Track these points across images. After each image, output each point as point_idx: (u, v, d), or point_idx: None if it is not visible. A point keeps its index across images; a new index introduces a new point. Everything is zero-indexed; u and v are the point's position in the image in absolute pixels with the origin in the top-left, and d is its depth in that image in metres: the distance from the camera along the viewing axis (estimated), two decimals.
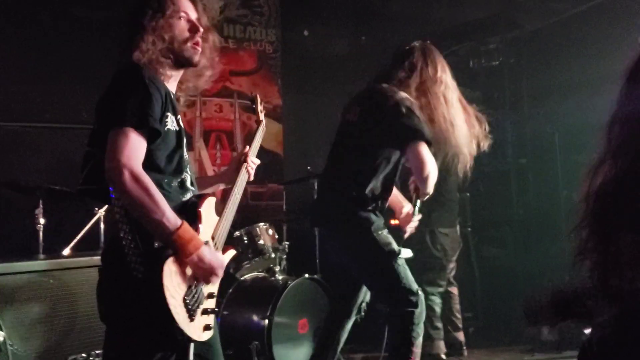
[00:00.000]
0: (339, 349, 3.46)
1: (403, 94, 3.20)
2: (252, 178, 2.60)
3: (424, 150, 3.06)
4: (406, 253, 3.13)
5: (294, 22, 6.22)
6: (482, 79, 5.64)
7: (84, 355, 3.39)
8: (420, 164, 3.05)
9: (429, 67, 3.29)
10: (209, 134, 5.81)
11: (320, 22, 6.27)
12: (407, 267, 3.13)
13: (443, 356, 4.35)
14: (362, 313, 3.46)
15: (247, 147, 2.65)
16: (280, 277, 4.33)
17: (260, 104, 2.91)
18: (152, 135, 2.06)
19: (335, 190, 3.29)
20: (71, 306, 3.41)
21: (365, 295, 3.41)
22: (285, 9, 6.22)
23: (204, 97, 5.69)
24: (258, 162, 2.63)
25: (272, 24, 6.18)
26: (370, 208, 3.17)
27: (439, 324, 4.38)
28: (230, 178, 2.55)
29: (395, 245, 3.12)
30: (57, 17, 5.15)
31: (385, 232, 3.15)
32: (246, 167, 2.55)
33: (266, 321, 3.96)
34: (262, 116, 2.87)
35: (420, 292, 3.12)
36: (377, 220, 3.17)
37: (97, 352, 3.42)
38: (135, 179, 1.93)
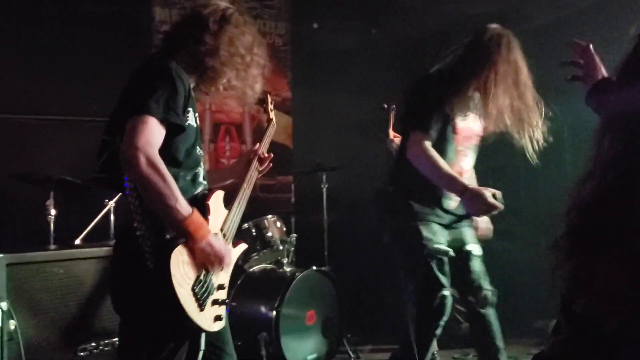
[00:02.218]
0: (496, 340, 3.24)
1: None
2: (265, 171, 2.66)
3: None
4: (443, 251, 3.06)
5: (303, 15, 6.22)
6: None
7: (93, 344, 3.42)
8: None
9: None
10: (218, 126, 5.84)
11: (330, 15, 6.27)
12: (442, 265, 3.05)
13: (435, 353, 4.34)
14: (490, 299, 3.25)
15: (258, 144, 2.68)
16: (288, 269, 4.36)
17: (271, 103, 2.93)
18: (176, 130, 2.09)
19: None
20: (81, 296, 3.44)
21: (479, 282, 3.23)
22: (295, 2, 6.22)
23: None
24: (271, 155, 2.67)
25: (282, 17, 6.18)
26: (415, 196, 3.10)
27: None
28: (239, 173, 2.59)
29: (434, 242, 3.05)
30: (65, 10, 5.19)
31: (429, 225, 3.08)
32: (256, 166, 2.59)
33: (274, 312, 3.99)
34: (272, 115, 2.89)
35: (445, 293, 3.04)
36: (424, 210, 3.10)
37: (106, 341, 3.46)
38: (151, 164, 1.94)
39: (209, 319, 2.15)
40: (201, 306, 2.08)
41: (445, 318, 3.06)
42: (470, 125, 3.18)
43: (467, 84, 2.95)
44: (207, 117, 5.75)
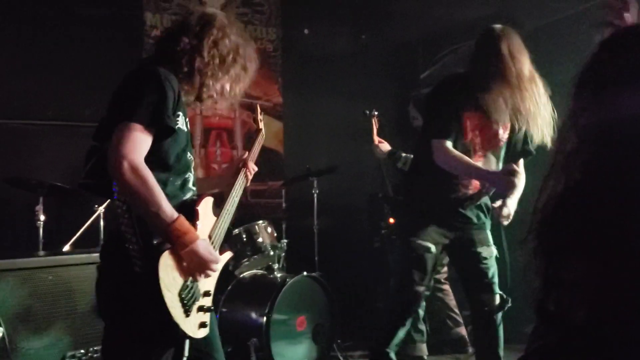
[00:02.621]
0: (500, 349, 3.26)
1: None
2: (249, 183, 2.66)
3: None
4: (423, 247, 3.19)
5: (294, 20, 6.24)
6: None
7: (82, 351, 3.41)
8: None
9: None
10: (209, 131, 5.83)
11: (320, 20, 6.29)
12: (422, 261, 3.17)
13: (425, 358, 4.35)
14: (500, 302, 3.28)
15: (247, 152, 2.69)
16: (278, 275, 4.35)
17: (260, 113, 2.95)
18: (166, 132, 2.08)
19: None
20: (70, 302, 3.43)
21: (489, 283, 3.27)
22: (285, 8, 6.23)
23: None
24: (256, 169, 2.67)
25: (273, 23, 6.19)
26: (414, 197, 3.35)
27: (422, 327, 4.35)
28: (227, 182, 2.59)
29: (417, 238, 3.18)
30: (59, 15, 5.17)
31: (419, 222, 3.22)
32: (245, 173, 2.59)
33: (264, 318, 3.98)
34: (261, 125, 2.90)
35: (418, 289, 3.16)
36: (418, 208, 3.26)
37: (95, 348, 3.44)
38: (134, 170, 1.94)
39: (194, 325, 2.14)
40: (187, 312, 2.07)
41: (416, 312, 3.18)
42: (490, 129, 3.20)
43: (475, 86, 3.07)
44: (197, 122, 5.75)
